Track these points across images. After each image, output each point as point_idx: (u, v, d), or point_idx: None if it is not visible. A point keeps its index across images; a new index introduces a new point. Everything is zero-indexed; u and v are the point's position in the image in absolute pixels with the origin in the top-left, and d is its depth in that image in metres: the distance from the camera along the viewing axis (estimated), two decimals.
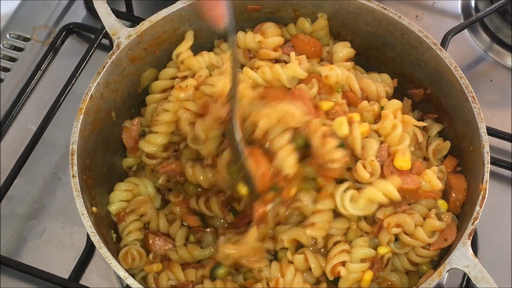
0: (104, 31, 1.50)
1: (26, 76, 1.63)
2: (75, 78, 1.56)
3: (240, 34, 1.41)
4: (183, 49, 1.39)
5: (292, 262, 1.24)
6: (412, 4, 1.78)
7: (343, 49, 1.40)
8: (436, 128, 1.37)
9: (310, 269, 1.24)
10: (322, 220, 1.23)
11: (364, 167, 1.23)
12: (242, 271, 1.27)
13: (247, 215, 1.28)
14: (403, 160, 1.23)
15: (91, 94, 1.28)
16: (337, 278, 1.23)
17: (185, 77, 1.38)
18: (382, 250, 1.23)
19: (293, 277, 1.21)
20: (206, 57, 1.39)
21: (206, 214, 1.33)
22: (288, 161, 1.19)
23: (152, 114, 1.38)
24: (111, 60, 1.32)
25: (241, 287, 1.26)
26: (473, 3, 1.79)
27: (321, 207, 1.23)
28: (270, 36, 1.40)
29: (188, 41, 1.40)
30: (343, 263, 1.21)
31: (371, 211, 1.22)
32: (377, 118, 1.31)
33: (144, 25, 1.36)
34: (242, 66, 1.38)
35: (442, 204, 1.27)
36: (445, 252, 1.23)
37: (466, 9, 1.79)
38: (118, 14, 1.43)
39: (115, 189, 1.35)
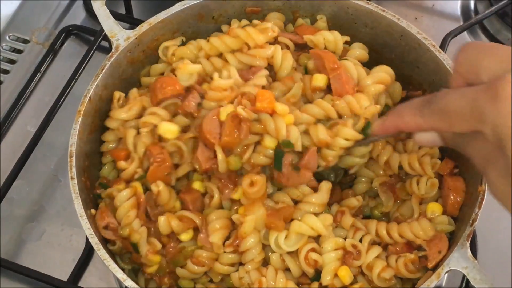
0: (104, 33, 1.51)
1: (25, 78, 1.63)
2: (74, 80, 1.56)
3: (234, 21, 1.41)
4: (170, 44, 1.38)
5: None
6: (411, 6, 1.78)
7: (359, 49, 1.38)
8: None
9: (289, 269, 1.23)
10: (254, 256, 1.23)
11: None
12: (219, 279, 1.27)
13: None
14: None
15: (90, 96, 1.28)
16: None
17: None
18: (348, 243, 1.22)
19: (274, 275, 1.21)
20: (195, 44, 1.37)
21: None
22: None
23: None
24: (110, 62, 1.32)
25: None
26: (472, 5, 1.79)
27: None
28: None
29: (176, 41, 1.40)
30: (313, 250, 1.21)
31: (301, 243, 1.21)
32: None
33: (143, 27, 1.36)
34: None
35: (436, 207, 1.27)
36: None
37: (465, 11, 1.79)
38: (117, 16, 1.43)
39: None
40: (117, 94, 1.34)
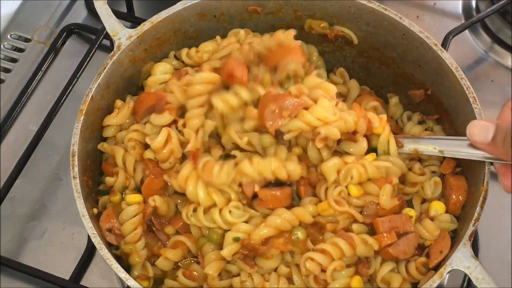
0: (105, 31, 1.51)
1: (27, 76, 1.63)
2: (76, 79, 1.56)
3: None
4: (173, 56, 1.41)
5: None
6: (413, 4, 1.78)
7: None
8: (439, 134, 1.36)
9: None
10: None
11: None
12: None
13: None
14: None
15: (91, 95, 1.29)
16: None
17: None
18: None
19: (277, 280, 1.21)
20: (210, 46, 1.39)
21: None
22: None
23: None
24: (111, 61, 1.32)
25: None
26: (474, 4, 1.79)
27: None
28: None
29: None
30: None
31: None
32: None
33: (145, 26, 1.36)
34: None
35: (439, 206, 1.27)
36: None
37: (467, 9, 1.79)
38: (119, 15, 1.44)
39: None
40: (119, 103, 1.34)
